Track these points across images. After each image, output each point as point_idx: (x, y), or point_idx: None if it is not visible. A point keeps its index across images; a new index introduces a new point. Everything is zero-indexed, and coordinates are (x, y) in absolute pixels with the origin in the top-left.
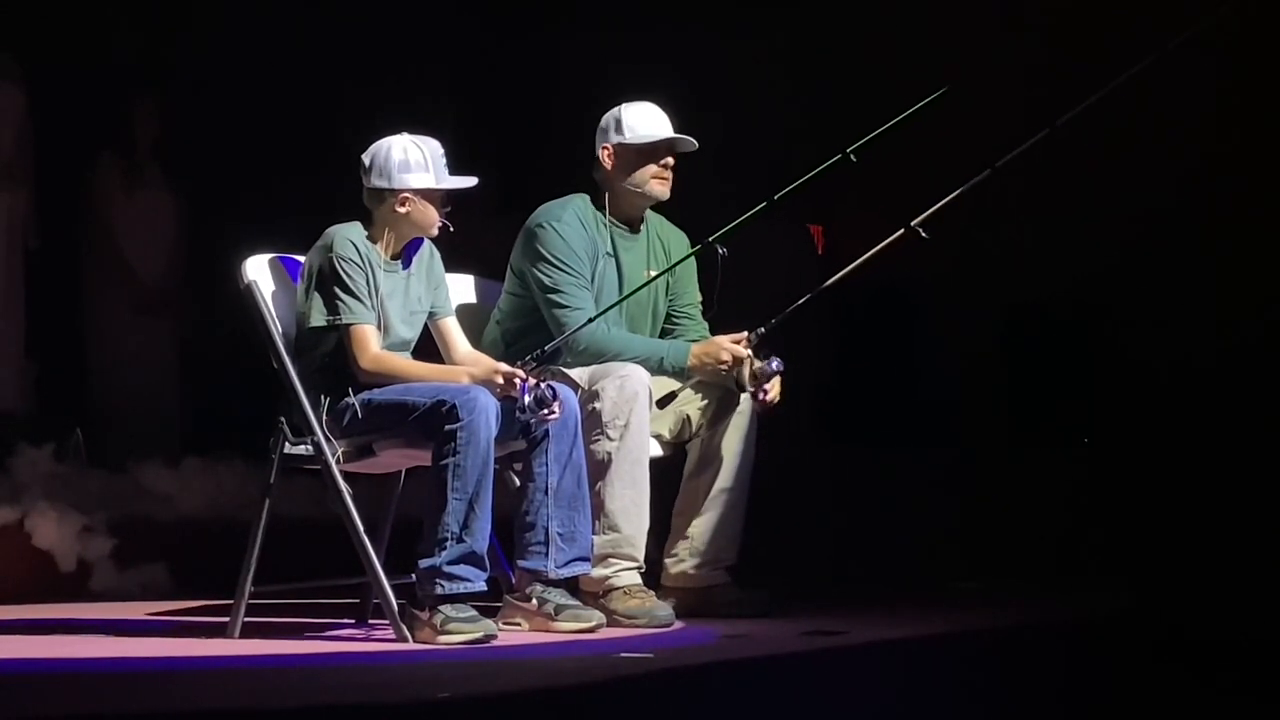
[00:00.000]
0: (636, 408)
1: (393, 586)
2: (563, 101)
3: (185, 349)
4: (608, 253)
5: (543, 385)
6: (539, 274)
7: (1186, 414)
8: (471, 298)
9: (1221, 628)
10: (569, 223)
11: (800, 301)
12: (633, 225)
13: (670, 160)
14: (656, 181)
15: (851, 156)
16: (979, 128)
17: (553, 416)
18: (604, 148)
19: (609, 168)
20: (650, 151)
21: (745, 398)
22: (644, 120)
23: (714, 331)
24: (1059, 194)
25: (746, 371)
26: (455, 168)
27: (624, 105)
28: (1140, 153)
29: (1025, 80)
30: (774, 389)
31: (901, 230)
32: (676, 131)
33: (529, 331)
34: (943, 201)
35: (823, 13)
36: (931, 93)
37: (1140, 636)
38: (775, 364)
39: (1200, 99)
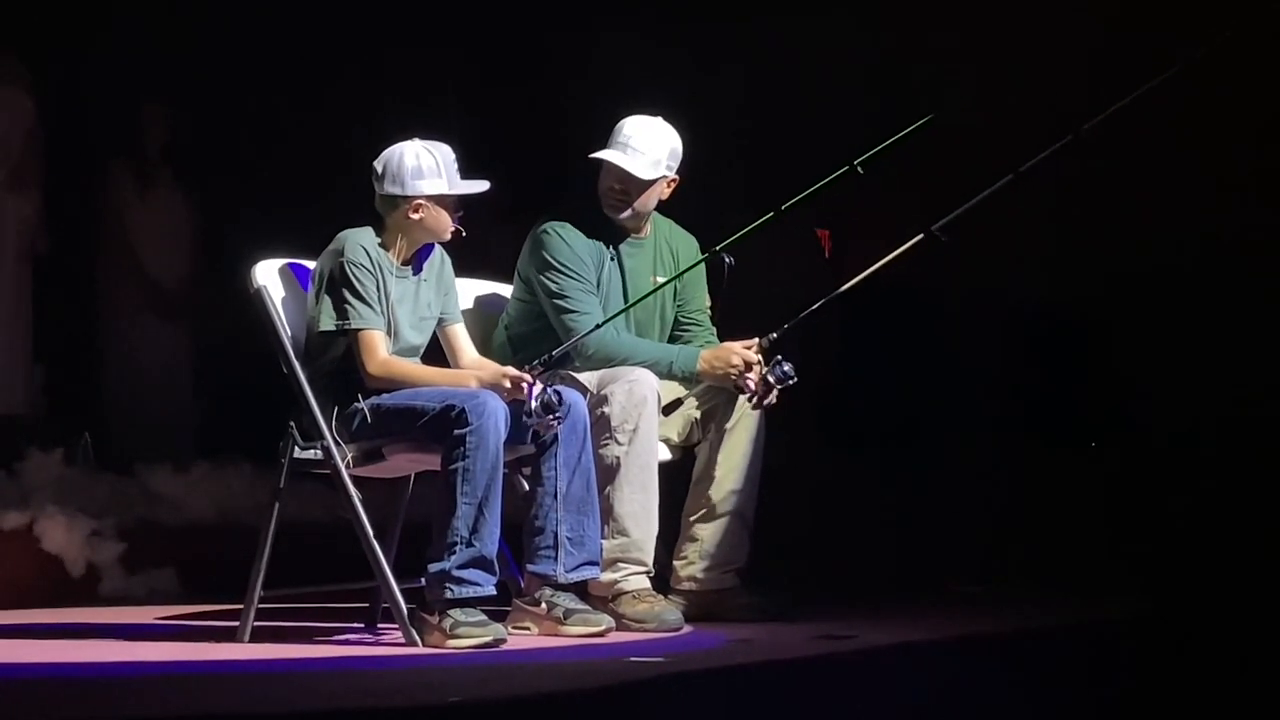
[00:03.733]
0: (645, 412)
1: (402, 591)
2: (571, 106)
3: (194, 353)
4: (612, 258)
5: (549, 389)
6: (546, 280)
7: (1196, 416)
8: (479, 303)
9: (1236, 629)
10: (574, 228)
11: (814, 307)
12: (629, 232)
13: (613, 185)
14: (607, 198)
15: (859, 169)
16: (989, 131)
17: (556, 423)
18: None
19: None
20: (604, 170)
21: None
22: (611, 136)
23: (722, 336)
24: (1071, 196)
25: (757, 375)
26: (464, 173)
27: (627, 118)
28: (1153, 156)
29: (1042, 87)
30: (771, 395)
31: (921, 235)
32: (687, 139)
33: (536, 337)
34: (965, 206)
35: (833, 17)
36: (944, 99)
37: (1153, 640)
38: (788, 369)
39: (1215, 104)
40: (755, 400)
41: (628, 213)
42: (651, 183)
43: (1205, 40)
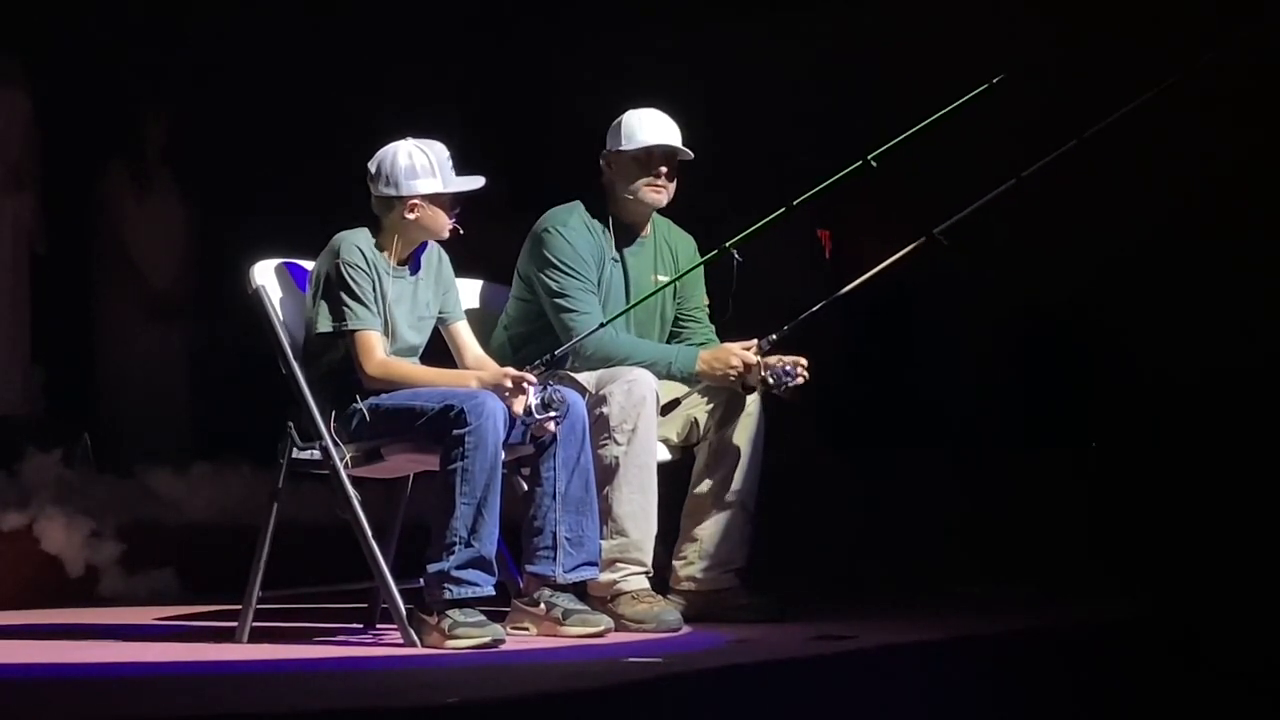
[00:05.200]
0: (644, 412)
1: (401, 591)
2: (571, 104)
3: (193, 354)
4: (614, 258)
5: (549, 389)
6: (546, 279)
7: (1197, 417)
8: (479, 303)
9: (1233, 631)
10: (575, 228)
11: (815, 308)
12: (636, 230)
13: (663, 169)
14: (649, 189)
15: (872, 163)
16: (993, 134)
17: (553, 424)
18: (604, 155)
19: (608, 174)
20: (644, 159)
21: (753, 401)
22: (640, 127)
23: (723, 336)
24: (1068, 198)
25: (756, 378)
26: (461, 170)
27: (630, 111)
28: (1151, 157)
29: (1044, 87)
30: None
31: (923, 239)
32: (684, 138)
33: (536, 336)
34: (967, 210)
35: (836, 16)
36: (947, 98)
37: (1151, 640)
38: (787, 368)
39: (1214, 106)
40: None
41: (666, 197)
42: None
43: (1210, 47)
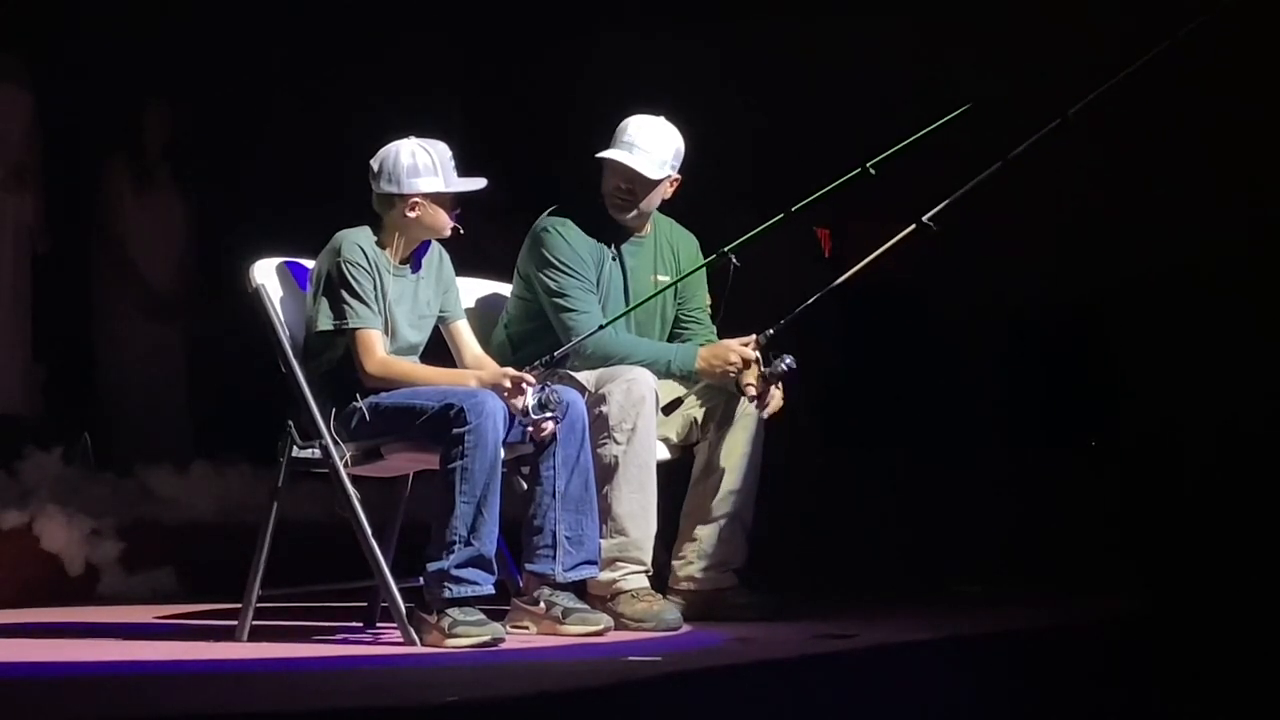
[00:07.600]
0: (644, 411)
1: (400, 590)
2: (572, 104)
3: (193, 353)
4: (613, 257)
5: (547, 390)
6: (545, 278)
7: (1196, 414)
8: (479, 303)
9: (1236, 629)
10: (573, 227)
11: (809, 301)
12: (634, 229)
13: (620, 185)
14: (611, 200)
15: (870, 170)
16: (993, 129)
17: (551, 423)
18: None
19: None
20: (609, 169)
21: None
22: (617, 136)
23: (721, 336)
24: (1067, 195)
25: (755, 374)
26: (463, 170)
27: (630, 117)
28: (1148, 153)
29: (1040, 78)
30: (775, 400)
31: (913, 225)
32: (686, 140)
33: (536, 335)
34: (955, 194)
35: (834, 19)
36: (944, 99)
37: (1153, 640)
38: (788, 361)
39: (1207, 95)
40: (759, 404)
41: (633, 213)
42: (657, 183)
43: (1192, 20)
